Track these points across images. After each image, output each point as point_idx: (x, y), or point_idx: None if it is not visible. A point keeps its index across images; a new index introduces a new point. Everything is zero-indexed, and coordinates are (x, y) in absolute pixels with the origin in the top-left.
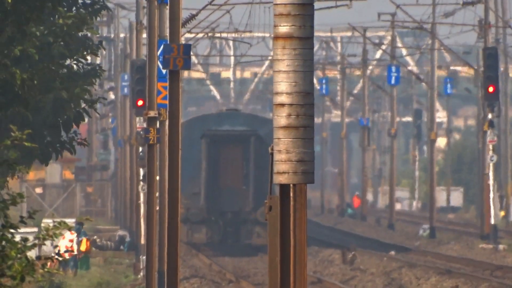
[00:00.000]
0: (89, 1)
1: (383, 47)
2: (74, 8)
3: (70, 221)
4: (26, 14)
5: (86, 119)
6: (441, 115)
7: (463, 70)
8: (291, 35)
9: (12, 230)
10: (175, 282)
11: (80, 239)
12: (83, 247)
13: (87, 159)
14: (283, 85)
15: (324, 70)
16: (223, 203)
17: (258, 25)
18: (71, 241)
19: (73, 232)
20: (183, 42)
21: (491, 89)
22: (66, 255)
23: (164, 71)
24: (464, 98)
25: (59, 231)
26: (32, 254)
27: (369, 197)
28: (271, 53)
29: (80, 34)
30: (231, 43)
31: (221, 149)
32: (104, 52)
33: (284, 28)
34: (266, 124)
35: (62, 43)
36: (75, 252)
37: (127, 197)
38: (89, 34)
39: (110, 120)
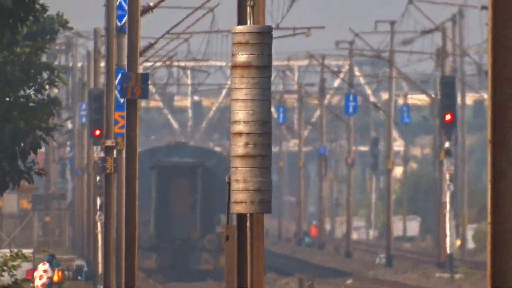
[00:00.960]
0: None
1: (341, 75)
2: (34, 37)
3: (28, 251)
4: None
5: (44, 148)
6: (398, 144)
7: (421, 99)
8: (249, 64)
9: None
10: None
11: (53, 270)
12: (56, 278)
13: (44, 188)
14: (241, 114)
15: (282, 98)
16: (172, 230)
17: (216, 53)
18: (45, 271)
19: (45, 262)
20: (141, 71)
21: (448, 117)
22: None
23: (122, 100)
24: (421, 126)
25: (17, 263)
26: None
27: (327, 226)
28: (229, 82)
29: (38, 61)
30: (189, 71)
31: (170, 180)
32: (63, 80)
33: (242, 57)
34: (213, 156)
35: (20, 71)
36: (47, 283)
37: (85, 226)
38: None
39: (68, 149)
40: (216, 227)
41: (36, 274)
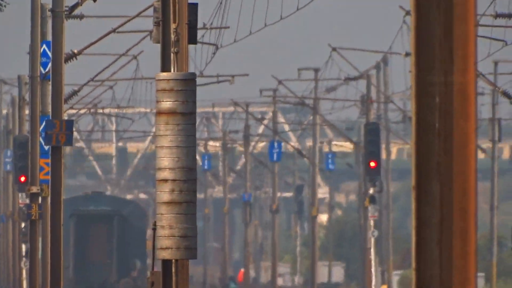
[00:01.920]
0: None
1: (265, 122)
2: None
3: None
4: None
5: None
6: (323, 191)
7: (345, 145)
8: (174, 110)
9: None
10: None
11: None
12: None
13: None
14: (166, 161)
15: (206, 145)
16: (90, 275)
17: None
18: None
19: None
20: (66, 118)
21: (372, 164)
22: None
23: (46, 147)
24: (346, 173)
25: None
26: None
27: (252, 272)
28: (153, 129)
29: None
30: (113, 118)
31: (87, 227)
32: None
33: (167, 104)
34: (128, 205)
35: None
36: None
37: (10, 273)
38: None
39: None
40: (132, 271)
41: None
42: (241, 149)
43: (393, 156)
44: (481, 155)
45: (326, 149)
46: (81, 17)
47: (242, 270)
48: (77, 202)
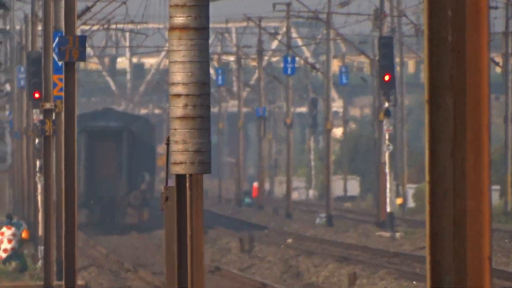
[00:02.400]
0: None
1: (279, 37)
2: None
3: None
4: None
5: None
6: (337, 105)
7: (359, 59)
8: (187, 25)
9: None
10: (73, 271)
11: (21, 229)
12: (24, 235)
13: None
14: (179, 76)
15: (220, 60)
16: (100, 189)
17: (154, 16)
18: (14, 235)
19: (9, 226)
20: (79, 34)
21: (387, 77)
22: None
23: (60, 63)
24: (360, 87)
25: None
26: None
27: (266, 186)
28: (167, 44)
29: None
30: (127, 34)
31: (97, 143)
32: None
33: (179, 19)
34: (137, 121)
35: None
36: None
37: (25, 188)
38: None
39: (7, 112)
40: (141, 184)
41: (1, 238)
42: (255, 63)
43: (411, 69)
44: (497, 69)
45: (339, 63)
46: None
47: (256, 184)
48: (87, 118)
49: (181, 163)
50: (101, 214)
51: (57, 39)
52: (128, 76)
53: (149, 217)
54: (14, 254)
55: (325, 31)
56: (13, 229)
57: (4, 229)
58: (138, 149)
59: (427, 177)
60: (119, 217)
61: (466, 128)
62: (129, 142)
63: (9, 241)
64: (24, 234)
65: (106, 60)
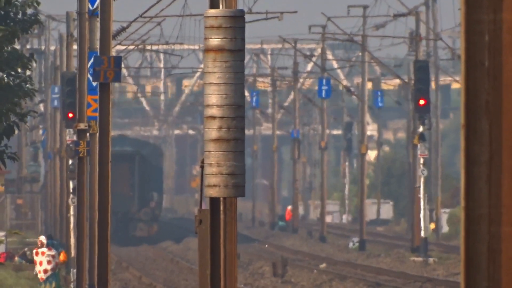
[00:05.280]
0: (20, 17)
1: (314, 59)
2: (6, 21)
3: (0, 234)
4: None
5: (16, 131)
6: (371, 128)
7: (394, 83)
8: (222, 47)
9: None
10: None
11: (59, 251)
12: (61, 258)
13: (17, 171)
14: (214, 98)
15: (255, 82)
16: (115, 205)
17: (189, 37)
18: (53, 256)
19: (50, 248)
20: (114, 54)
21: (422, 102)
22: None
23: (94, 83)
24: (394, 110)
25: None
26: None
27: (300, 210)
28: (202, 66)
29: (9, 48)
30: (161, 55)
31: (113, 165)
32: (35, 65)
33: (215, 41)
34: (147, 146)
35: None
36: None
37: (57, 209)
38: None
39: (40, 132)
40: (150, 202)
41: (40, 259)
42: (288, 85)
43: (441, 93)
44: None
45: (369, 86)
46: None
47: (289, 207)
48: None
49: (215, 186)
50: (115, 227)
51: (92, 60)
52: (162, 96)
53: (157, 231)
54: (52, 275)
55: (360, 54)
56: (53, 250)
57: (44, 249)
58: (148, 171)
59: (462, 202)
60: (131, 230)
61: (502, 153)
62: (140, 165)
63: (49, 262)
64: (62, 257)
65: (141, 81)
